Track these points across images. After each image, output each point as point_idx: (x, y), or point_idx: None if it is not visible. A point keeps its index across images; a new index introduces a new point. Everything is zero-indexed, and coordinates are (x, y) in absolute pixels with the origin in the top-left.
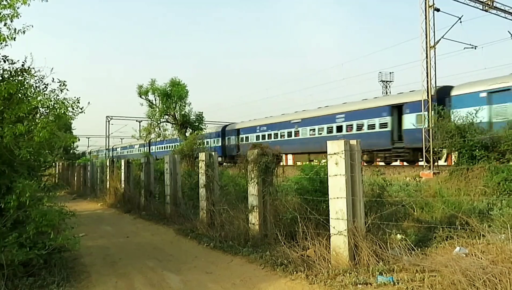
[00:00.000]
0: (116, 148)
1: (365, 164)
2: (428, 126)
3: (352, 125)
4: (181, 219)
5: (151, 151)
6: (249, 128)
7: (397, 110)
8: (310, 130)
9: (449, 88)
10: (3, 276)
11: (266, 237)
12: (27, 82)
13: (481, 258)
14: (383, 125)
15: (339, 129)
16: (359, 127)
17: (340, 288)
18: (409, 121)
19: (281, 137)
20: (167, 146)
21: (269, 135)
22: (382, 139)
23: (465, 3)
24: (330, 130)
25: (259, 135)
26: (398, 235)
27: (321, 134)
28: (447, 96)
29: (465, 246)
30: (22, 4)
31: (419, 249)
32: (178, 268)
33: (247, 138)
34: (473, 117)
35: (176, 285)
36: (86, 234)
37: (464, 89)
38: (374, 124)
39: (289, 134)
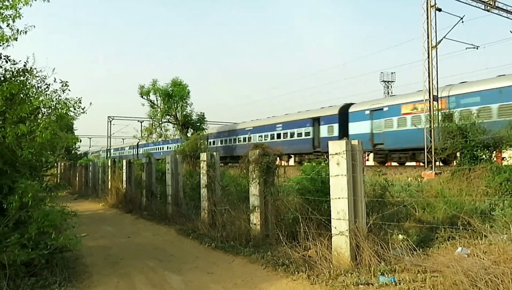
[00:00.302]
0: (109, 150)
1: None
2: (430, 126)
3: (287, 133)
4: (183, 219)
5: (138, 152)
6: (215, 134)
7: (317, 122)
8: (259, 136)
9: (349, 105)
10: (5, 276)
11: (268, 237)
12: (29, 82)
13: (483, 259)
14: (307, 134)
15: (278, 136)
16: (292, 135)
17: (341, 289)
18: (323, 131)
19: (238, 142)
20: (152, 148)
21: (230, 140)
22: (307, 145)
23: (467, 3)
24: (272, 137)
25: (222, 140)
26: (400, 235)
27: (266, 139)
28: (347, 112)
29: (467, 246)
30: (24, 4)
31: (421, 249)
32: (179, 268)
33: (214, 142)
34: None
35: (177, 285)
36: (87, 234)
37: (357, 107)
38: (301, 133)
39: (244, 140)
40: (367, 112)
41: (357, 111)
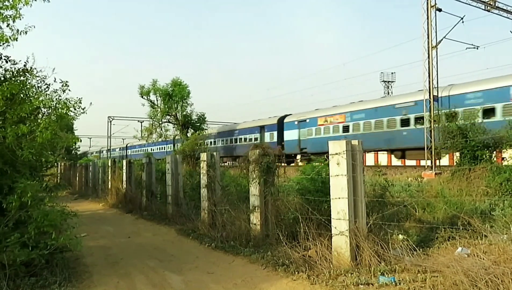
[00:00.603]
0: (102, 151)
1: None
2: (431, 127)
3: (242, 138)
4: (183, 219)
5: (127, 153)
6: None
7: (263, 129)
8: (221, 140)
9: (285, 116)
10: (5, 276)
11: (268, 237)
12: (29, 82)
13: (483, 259)
14: (256, 139)
15: (235, 140)
16: (245, 140)
17: (341, 289)
18: (267, 137)
19: (206, 145)
20: (139, 150)
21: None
22: None
23: (467, 3)
24: (231, 141)
25: None
26: (400, 235)
27: (227, 144)
28: (283, 122)
29: (467, 246)
30: (24, 5)
31: (421, 249)
32: (180, 268)
33: None
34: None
35: (177, 285)
36: (87, 234)
37: (290, 118)
38: (252, 138)
39: (211, 143)
40: (296, 122)
41: (289, 122)
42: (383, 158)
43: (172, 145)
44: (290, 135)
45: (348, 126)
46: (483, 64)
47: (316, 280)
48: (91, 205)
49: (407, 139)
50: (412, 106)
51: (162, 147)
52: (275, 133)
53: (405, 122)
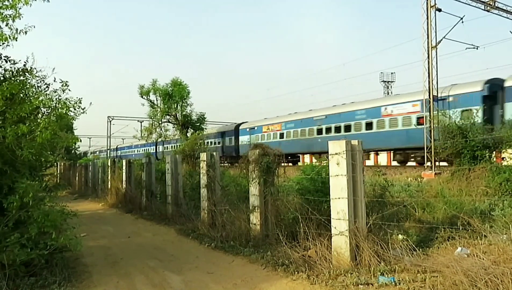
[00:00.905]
0: (96, 151)
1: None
2: (430, 126)
3: (215, 141)
4: (183, 219)
5: (118, 154)
6: (168, 141)
7: (225, 135)
8: None
9: (240, 124)
10: (4, 276)
11: (268, 237)
12: (29, 82)
13: (483, 259)
14: (219, 143)
15: (212, 143)
16: (219, 142)
17: (341, 289)
18: (227, 141)
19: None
20: (128, 151)
21: (168, 147)
22: (218, 151)
23: (467, 3)
24: (209, 143)
25: (166, 146)
26: (400, 235)
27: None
28: (239, 129)
29: (467, 246)
30: (24, 4)
31: (420, 249)
32: (180, 268)
33: (167, 147)
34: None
35: (177, 285)
36: (87, 234)
37: (243, 126)
38: (216, 142)
39: None
40: (248, 129)
41: (243, 128)
42: (307, 159)
43: (154, 147)
44: (243, 139)
45: (283, 133)
46: (483, 64)
47: (316, 280)
48: (91, 205)
49: (321, 145)
50: (324, 119)
51: (146, 149)
52: (233, 138)
53: (319, 131)
